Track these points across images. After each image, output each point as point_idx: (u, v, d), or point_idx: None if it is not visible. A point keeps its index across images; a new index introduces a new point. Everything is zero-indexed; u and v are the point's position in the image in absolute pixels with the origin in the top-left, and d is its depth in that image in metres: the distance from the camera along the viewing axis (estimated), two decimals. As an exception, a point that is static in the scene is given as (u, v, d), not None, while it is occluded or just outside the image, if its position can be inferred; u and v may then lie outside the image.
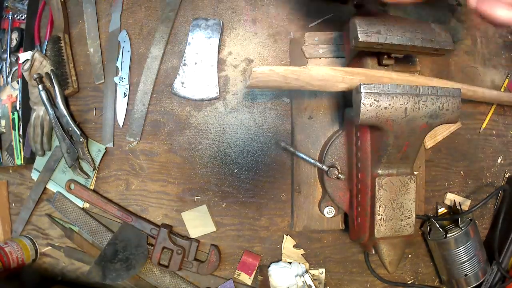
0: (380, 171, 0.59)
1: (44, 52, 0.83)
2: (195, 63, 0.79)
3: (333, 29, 0.76)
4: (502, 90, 0.80)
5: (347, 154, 0.70)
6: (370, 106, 0.51)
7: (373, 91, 0.51)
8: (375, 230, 0.60)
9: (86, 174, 0.81)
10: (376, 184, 0.59)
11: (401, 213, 0.60)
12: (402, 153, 0.57)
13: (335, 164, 0.70)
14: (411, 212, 0.61)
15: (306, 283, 0.77)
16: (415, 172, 0.69)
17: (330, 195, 0.71)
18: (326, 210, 0.74)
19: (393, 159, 0.58)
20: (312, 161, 0.70)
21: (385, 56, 0.60)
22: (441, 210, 0.81)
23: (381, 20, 0.54)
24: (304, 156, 0.71)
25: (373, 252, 0.66)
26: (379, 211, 0.59)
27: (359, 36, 0.52)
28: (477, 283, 0.76)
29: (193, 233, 0.81)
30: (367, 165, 0.61)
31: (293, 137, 0.76)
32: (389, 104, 0.51)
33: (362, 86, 0.50)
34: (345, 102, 0.74)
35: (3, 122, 0.85)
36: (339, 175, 0.69)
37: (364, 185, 0.62)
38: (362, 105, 0.51)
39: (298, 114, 0.76)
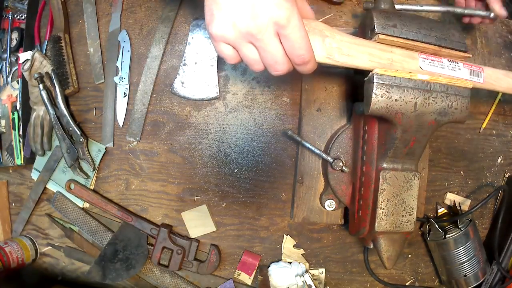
0: (385, 165, 0.57)
1: (44, 52, 0.79)
2: (195, 63, 0.77)
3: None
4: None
5: (352, 148, 0.67)
6: (381, 96, 0.49)
7: (385, 82, 0.49)
8: (376, 224, 0.57)
9: (86, 174, 0.77)
10: (380, 177, 0.56)
11: (402, 208, 0.58)
12: (408, 148, 0.55)
13: (340, 157, 0.67)
14: (412, 209, 0.58)
15: (306, 283, 0.74)
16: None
17: (333, 188, 0.68)
18: (327, 203, 0.71)
19: (399, 153, 0.55)
20: (318, 151, 0.67)
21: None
22: (441, 210, 0.78)
23: (398, 15, 0.52)
24: (310, 146, 0.68)
25: (371, 247, 0.64)
26: (381, 204, 0.57)
27: (375, 28, 0.50)
28: (477, 283, 0.72)
29: (193, 233, 0.77)
30: (373, 158, 0.58)
31: (300, 127, 0.73)
32: (400, 97, 0.49)
33: (375, 77, 0.48)
34: (353, 96, 0.72)
35: (3, 122, 0.81)
36: (343, 168, 0.66)
37: (368, 178, 0.59)
38: (373, 95, 0.48)
39: (307, 105, 0.72)
